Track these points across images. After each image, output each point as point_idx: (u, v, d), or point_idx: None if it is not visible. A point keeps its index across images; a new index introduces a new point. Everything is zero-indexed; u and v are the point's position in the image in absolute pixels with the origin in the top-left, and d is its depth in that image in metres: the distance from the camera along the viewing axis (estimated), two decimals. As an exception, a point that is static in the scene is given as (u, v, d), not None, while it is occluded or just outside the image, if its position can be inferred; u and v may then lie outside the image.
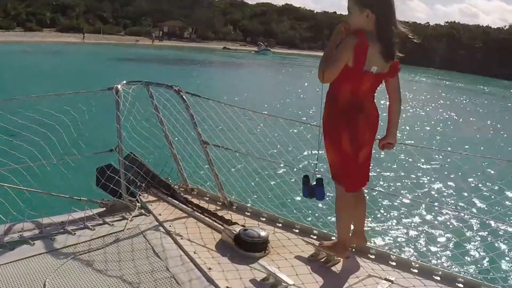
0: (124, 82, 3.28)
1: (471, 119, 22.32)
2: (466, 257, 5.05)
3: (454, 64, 79.79)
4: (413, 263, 2.72)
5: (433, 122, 19.45)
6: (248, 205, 3.43)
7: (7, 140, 3.34)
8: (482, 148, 14.66)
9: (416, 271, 2.65)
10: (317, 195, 2.63)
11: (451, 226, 6.67)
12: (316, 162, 2.65)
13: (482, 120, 22.32)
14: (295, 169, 3.93)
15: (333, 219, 2.81)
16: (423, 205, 7.28)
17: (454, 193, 8.85)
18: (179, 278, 2.39)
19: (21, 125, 3.39)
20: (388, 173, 9.88)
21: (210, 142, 3.50)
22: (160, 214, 3.12)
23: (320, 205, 4.39)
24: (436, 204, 6.88)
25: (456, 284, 2.55)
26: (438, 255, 5.45)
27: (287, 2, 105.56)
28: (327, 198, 2.70)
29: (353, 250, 2.83)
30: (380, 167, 9.85)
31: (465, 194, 8.48)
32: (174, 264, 2.52)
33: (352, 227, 2.76)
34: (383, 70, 2.46)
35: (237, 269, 2.50)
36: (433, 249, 5.60)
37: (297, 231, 3.08)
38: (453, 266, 4.57)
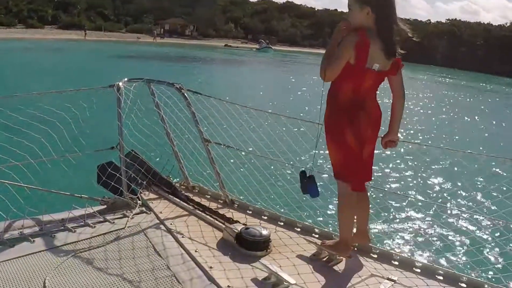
0: (126, 79, 3.26)
1: (476, 118, 22.25)
2: (469, 257, 5.02)
3: (455, 62, 79.78)
4: (415, 262, 2.71)
5: (433, 119, 19.40)
6: (250, 203, 3.42)
7: (8, 137, 3.33)
8: (487, 147, 14.60)
9: (418, 270, 2.64)
10: (310, 191, 2.65)
11: (454, 226, 6.65)
12: (316, 159, 2.64)
13: (488, 118, 22.23)
14: (296, 167, 3.91)
15: (335, 218, 2.79)
16: (426, 204, 7.25)
17: (457, 192, 8.83)
18: (180, 276, 2.37)
19: (22, 122, 3.38)
20: (390, 172, 9.86)
21: (212, 140, 3.48)
22: (161, 212, 3.10)
23: (322, 203, 4.37)
24: (439, 202, 6.86)
25: (459, 283, 2.53)
26: (441, 255, 5.43)
27: (288, 0, 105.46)
28: (320, 194, 2.69)
29: (355, 249, 2.81)
30: (383, 166, 9.83)
31: (468, 193, 8.46)
32: (175, 262, 2.51)
33: (355, 226, 2.75)
34: (385, 68, 2.46)
35: (239, 268, 2.48)
36: (436, 248, 5.58)
37: (299, 230, 3.06)
38: (456, 266, 4.56)
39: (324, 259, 2.67)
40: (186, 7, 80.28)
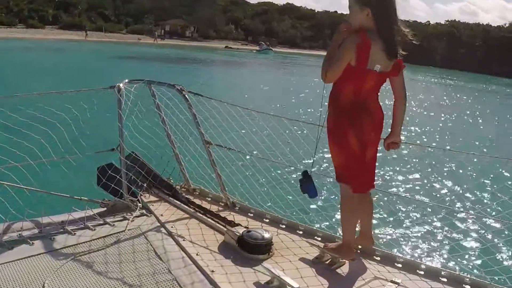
0: (126, 80, 3.24)
1: (478, 119, 22.21)
2: (473, 258, 5.00)
3: (454, 63, 79.87)
4: (419, 264, 2.68)
5: (435, 121, 19.37)
6: (251, 206, 3.39)
7: (8, 138, 3.30)
8: (490, 148, 14.57)
9: (422, 272, 2.62)
10: (307, 191, 2.64)
11: (457, 227, 6.61)
12: (319, 162, 2.62)
13: (489, 119, 22.19)
14: (298, 170, 3.89)
15: (338, 220, 2.76)
16: (429, 206, 7.22)
17: (460, 193, 8.79)
18: (181, 280, 2.34)
19: (22, 123, 3.35)
20: (393, 174, 9.82)
21: (213, 142, 3.46)
22: (161, 215, 3.07)
23: (324, 206, 4.34)
24: (442, 204, 6.82)
25: (463, 285, 2.51)
26: (445, 257, 5.40)
27: (288, 1, 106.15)
28: (321, 196, 2.67)
29: (358, 251, 2.79)
30: (385, 168, 9.79)
31: (472, 194, 8.43)
32: (176, 266, 2.48)
33: (359, 228, 2.72)
34: (387, 69, 2.45)
35: (241, 272, 2.45)
36: (439, 250, 5.55)
37: (301, 232, 3.03)
38: (460, 267, 4.53)
39: (327, 262, 2.64)
40: (187, 6, 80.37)
